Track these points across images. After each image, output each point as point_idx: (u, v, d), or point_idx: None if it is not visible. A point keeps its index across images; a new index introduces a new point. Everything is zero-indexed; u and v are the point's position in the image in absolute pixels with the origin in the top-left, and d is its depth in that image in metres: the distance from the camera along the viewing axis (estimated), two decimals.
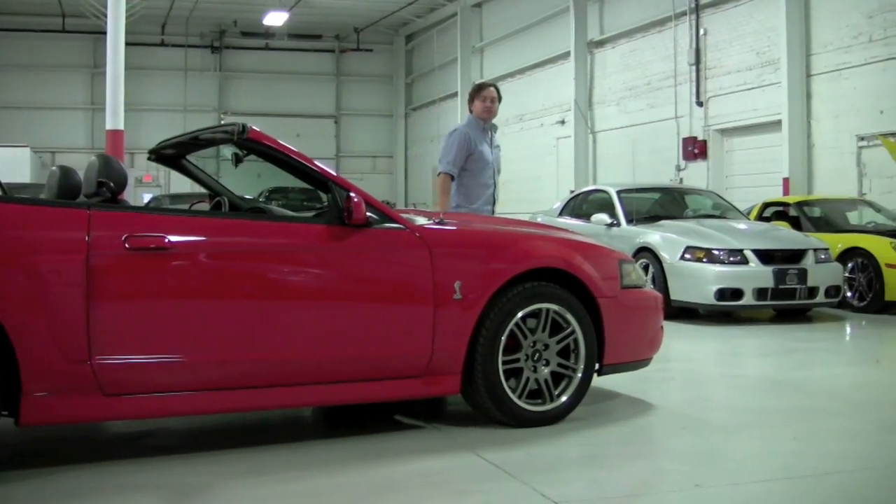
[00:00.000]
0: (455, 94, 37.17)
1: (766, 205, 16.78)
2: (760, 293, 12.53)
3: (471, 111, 9.56)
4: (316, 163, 6.03)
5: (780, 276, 12.57)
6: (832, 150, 19.97)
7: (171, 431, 6.45)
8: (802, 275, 12.70)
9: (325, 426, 6.87)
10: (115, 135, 16.91)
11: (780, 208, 16.45)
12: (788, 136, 20.43)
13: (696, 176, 23.58)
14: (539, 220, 15.90)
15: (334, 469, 5.45)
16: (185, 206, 7.95)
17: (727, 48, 23.06)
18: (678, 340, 10.60)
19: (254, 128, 5.86)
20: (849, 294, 14.09)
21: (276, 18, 36.07)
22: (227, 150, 6.38)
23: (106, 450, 6.10)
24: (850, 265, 14.10)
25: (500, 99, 9.53)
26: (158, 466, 5.50)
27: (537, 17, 31.66)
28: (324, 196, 6.17)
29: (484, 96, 9.38)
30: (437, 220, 6.38)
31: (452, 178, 9.26)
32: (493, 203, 9.50)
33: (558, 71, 30.35)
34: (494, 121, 9.68)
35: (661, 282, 12.79)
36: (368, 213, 5.87)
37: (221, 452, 5.83)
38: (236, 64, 42.17)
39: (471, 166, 9.25)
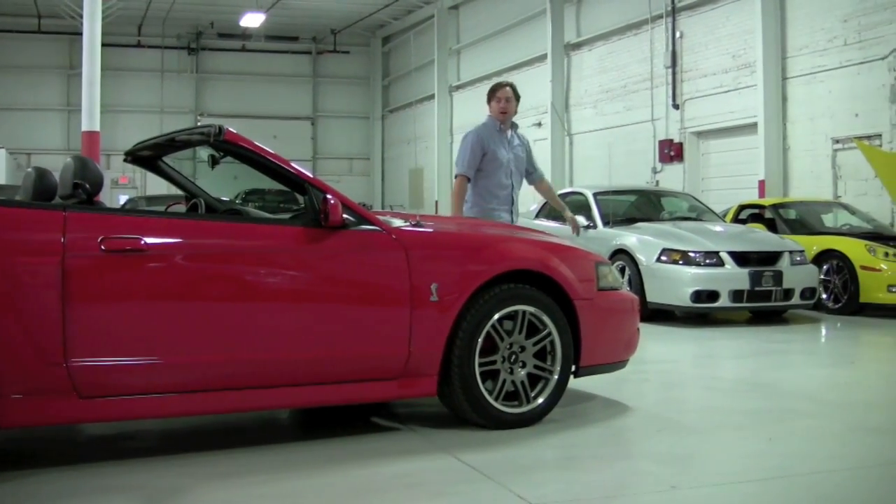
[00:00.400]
0: (432, 97, 37.22)
1: (742, 207, 16.83)
2: (736, 295, 12.57)
3: (489, 111, 9.35)
4: (292, 165, 6.02)
5: (755, 279, 12.62)
6: (807, 153, 20.07)
7: (146, 433, 6.43)
8: (778, 277, 12.75)
9: (302, 428, 6.86)
10: (91, 136, 16.86)
11: (756, 210, 16.51)
12: (764, 139, 20.52)
13: (672, 178, 23.65)
14: None
15: (311, 471, 5.44)
16: (162, 208, 7.92)
17: (703, 51, 23.14)
18: (654, 342, 10.63)
19: (230, 129, 5.85)
20: (824, 296, 14.16)
21: (252, 20, 36.02)
22: (204, 152, 6.37)
23: (82, 452, 6.08)
24: (825, 267, 14.17)
25: (517, 97, 9.30)
26: (134, 468, 5.48)
27: (514, 19, 31.71)
28: (300, 198, 6.15)
29: (499, 97, 9.19)
30: (413, 223, 6.38)
31: (469, 179, 9.11)
32: (512, 204, 9.21)
33: (535, 73, 30.38)
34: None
35: (637, 284, 12.82)
36: (345, 215, 5.86)
37: (197, 454, 5.82)
38: (213, 65, 42.09)
39: (485, 167, 9.07)
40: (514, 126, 9.38)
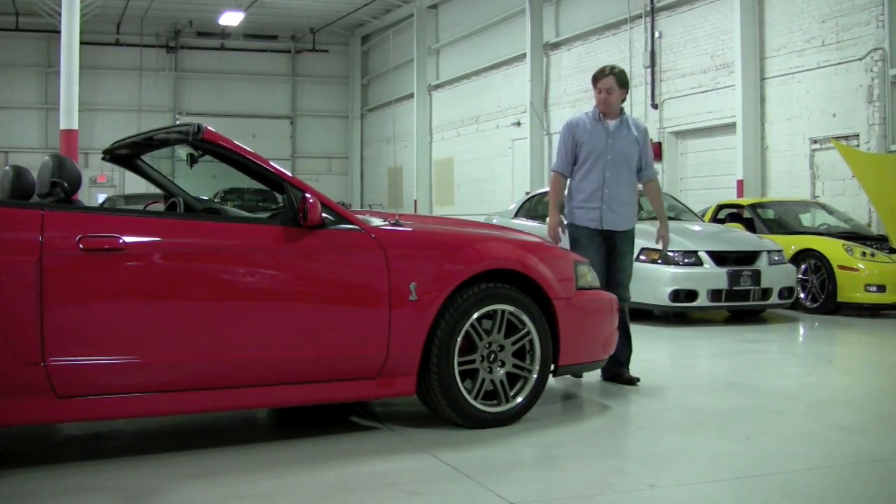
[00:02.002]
0: (411, 96, 37.23)
1: (721, 207, 16.88)
2: (715, 294, 12.61)
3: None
4: (271, 163, 6.01)
5: (734, 278, 12.67)
6: (785, 153, 20.15)
7: (123, 433, 6.41)
8: (756, 276, 12.80)
9: (280, 428, 6.85)
10: (69, 134, 16.81)
11: (735, 210, 16.56)
12: (742, 139, 20.59)
13: None
14: (494, 221, 15.94)
15: (288, 470, 5.44)
16: (140, 207, 7.90)
17: (682, 51, 23.20)
18: (633, 341, 10.64)
19: (209, 128, 5.84)
20: (802, 295, 14.22)
21: (231, 18, 35.98)
22: (182, 151, 6.36)
23: (58, 452, 6.06)
24: (803, 267, 14.23)
25: (623, 84, 8.23)
26: (110, 468, 5.47)
27: (493, 18, 31.74)
28: (279, 197, 6.15)
29: (599, 87, 8.21)
30: (392, 222, 6.38)
31: (567, 175, 8.33)
32: (604, 201, 8.12)
33: (514, 73, 30.44)
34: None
35: None
36: (324, 214, 5.86)
37: (174, 454, 5.81)
38: (191, 64, 42.01)
39: (579, 159, 8.24)
40: (624, 115, 8.34)
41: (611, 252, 8.20)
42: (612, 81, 8.19)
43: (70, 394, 5.21)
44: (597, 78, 8.30)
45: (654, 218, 14.77)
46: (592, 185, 8.16)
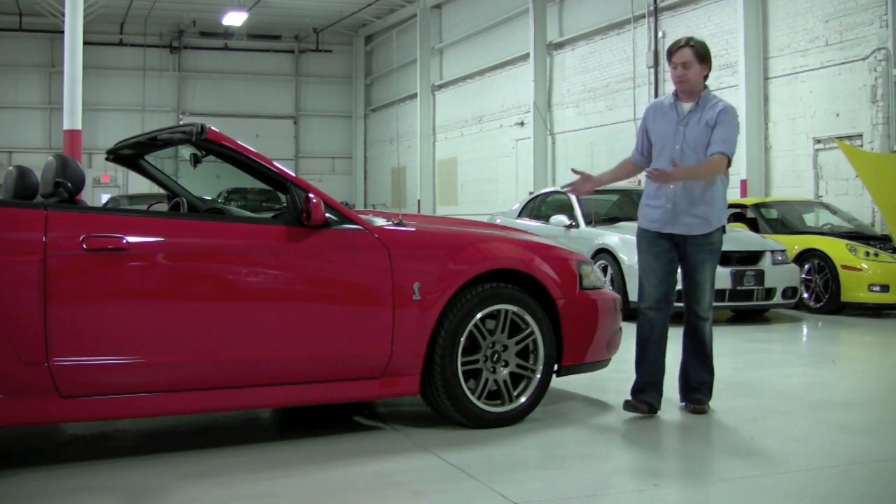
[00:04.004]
0: (414, 96, 37.22)
1: None
2: (718, 294, 12.57)
3: None
4: (275, 164, 6.01)
5: (737, 278, 12.66)
6: (789, 153, 20.13)
7: (127, 433, 6.41)
8: (759, 276, 12.79)
9: (283, 427, 6.85)
10: (73, 135, 16.83)
11: (738, 210, 16.52)
12: (746, 139, 20.53)
13: None
14: (498, 221, 15.94)
15: (292, 470, 5.44)
16: (144, 207, 7.90)
17: None
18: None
19: (212, 128, 5.84)
20: (805, 295, 14.20)
21: (235, 18, 35.98)
22: (186, 151, 6.37)
23: (62, 452, 6.07)
24: (806, 266, 14.21)
25: (703, 58, 6.94)
26: (114, 468, 5.47)
27: (496, 18, 31.73)
28: (282, 197, 6.15)
29: (674, 62, 7.00)
30: (395, 222, 6.38)
31: (636, 164, 7.37)
32: (675, 197, 6.89)
33: (517, 72, 30.42)
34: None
35: (619, 283, 12.82)
36: (327, 214, 5.86)
37: (178, 454, 5.81)
38: (195, 64, 42.02)
39: (653, 149, 7.15)
40: (703, 96, 7.00)
41: (683, 262, 6.95)
42: (689, 54, 6.92)
43: (74, 394, 5.21)
44: (671, 52, 7.06)
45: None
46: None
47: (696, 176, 6.81)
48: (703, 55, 6.93)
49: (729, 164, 6.90)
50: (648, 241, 6.98)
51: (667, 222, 6.90)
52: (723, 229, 7.03)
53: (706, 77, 7.02)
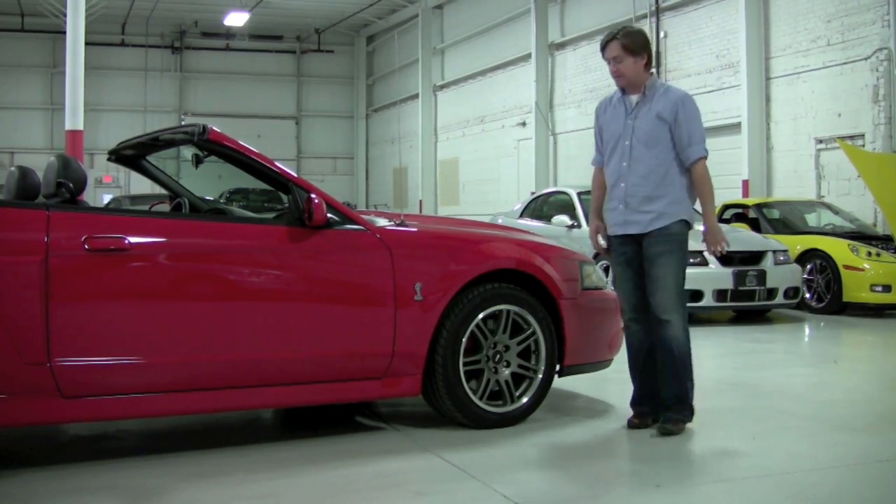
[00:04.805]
0: (416, 96, 37.24)
1: (726, 207, 16.86)
2: (720, 295, 12.60)
3: None
4: (276, 164, 6.02)
5: (739, 278, 12.65)
6: (791, 153, 20.12)
7: (128, 433, 6.41)
8: (762, 276, 12.79)
9: (284, 427, 6.86)
10: (75, 135, 16.83)
11: (740, 210, 16.53)
12: (748, 139, 20.57)
13: None
14: (500, 221, 15.94)
15: (293, 470, 5.44)
16: (145, 208, 7.90)
17: (687, 51, 23.19)
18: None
19: (214, 129, 5.85)
20: (807, 295, 14.20)
21: (236, 19, 35.99)
22: (188, 151, 6.37)
23: (64, 452, 6.06)
24: (808, 267, 14.21)
25: (635, 50, 6.46)
26: (115, 468, 5.47)
27: (498, 18, 31.74)
28: (284, 197, 6.16)
29: (606, 58, 6.62)
30: (397, 222, 6.38)
31: (602, 168, 6.75)
32: (626, 197, 6.44)
33: (519, 73, 30.44)
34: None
35: None
36: (329, 215, 5.86)
37: (179, 454, 5.81)
38: (197, 64, 42.05)
39: (605, 148, 6.70)
40: (650, 87, 6.56)
41: (644, 261, 6.45)
42: (617, 48, 6.50)
43: (76, 394, 5.21)
44: (601, 46, 6.68)
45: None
46: (612, 178, 6.58)
47: (711, 206, 6.58)
48: (632, 47, 6.48)
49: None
50: (614, 247, 6.59)
51: (622, 224, 6.48)
52: (686, 223, 6.48)
53: (648, 66, 6.56)
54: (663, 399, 6.40)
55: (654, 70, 6.68)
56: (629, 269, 6.49)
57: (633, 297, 6.50)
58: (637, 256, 6.45)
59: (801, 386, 8.52)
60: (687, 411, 6.38)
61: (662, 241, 6.35)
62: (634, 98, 6.55)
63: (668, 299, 6.32)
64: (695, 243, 12.61)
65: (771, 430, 6.50)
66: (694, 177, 6.47)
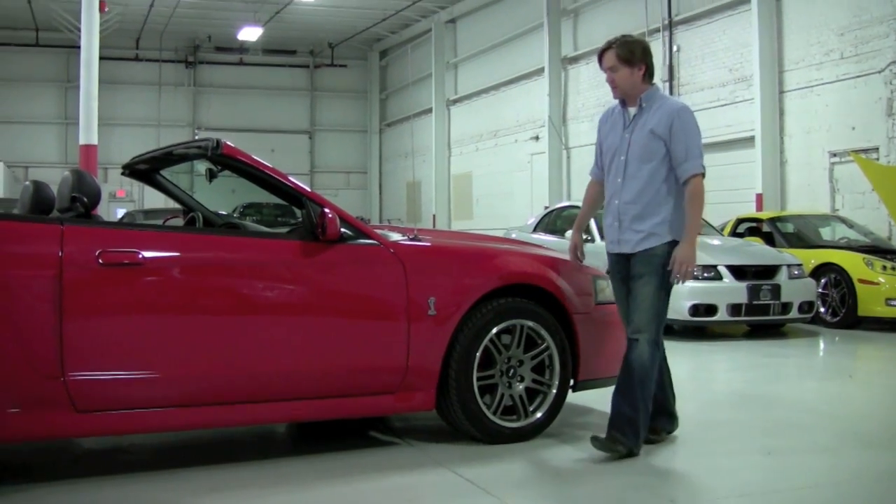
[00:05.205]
0: (429, 110, 37.26)
1: (740, 220, 16.84)
2: (734, 309, 12.57)
3: None
4: (290, 178, 6.02)
5: (753, 292, 12.62)
6: (804, 167, 20.09)
7: (141, 447, 6.41)
8: (776, 290, 12.75)
9: (298, 442, 6.85)
10: (89, 149, 16.86)
11: (754, 224, 16.50)
12: (761, 152, 20.54)
13: None
14: (513, 236, 15.94)
15: (305, 485, 5.43)
16: (159, 222, 7.91)
17: (700, 64, 23.18)
18: None
19: (228, 143, 5.85)
20: (822, 309, 14.15)
21: (250, 33, 36.08)
22: (201, 166, 6.38)
23: (77, 466, 6.06)
24: (823, 281, 14.18)
25: (630, 60, 6.23)
26: (128, 482, 5.47)
27: (511, 32, 31.76)
28: (298, 212, 6.16)
29: (603, 67, 6.41)
30: (411, 236, 6.37)
31: (599, 181, 6.69)
32: (617, 216, 6.27)
33: (532, 87, 30.44)
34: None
35: None
36: (342, 229, 5.86)
37: (192, 468, 5.80)
38: (210, 79, 42.13)
39: (605, 163, 6.57)
40: (648, 98, 6.31)
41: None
42: (612, 57, 6.30)
43: (89, 408, 5.21)
44: (598, 57, 6.49)
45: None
46: (608, 193, 6.44)
47: (695, 226, 6.12)
48: (627, 57, 6.25)
49: (704, 176, 6.19)
50: (611, 265, 6.44)
51: (615, 242, 6.31)
52: (675, 244, 6.09)
53: (645, 76, 6.28)
54: (611, 414, 6.08)
55: (655, 82, 6.44)
56: (624, 287, 6.31)
57: (626, 319, 6.33)
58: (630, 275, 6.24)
59: (817, 400, 8.49)
60: (632, 436, 5.99)
61: (646, 262, 6.09)
62: (632, 111, 6.34)
63: (640, 320, 6.07)
64: (708, 257, 12.69)
65: (786, 445, 6.48)
66: (686, 193, 6.10)
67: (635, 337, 6.07)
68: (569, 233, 14.33)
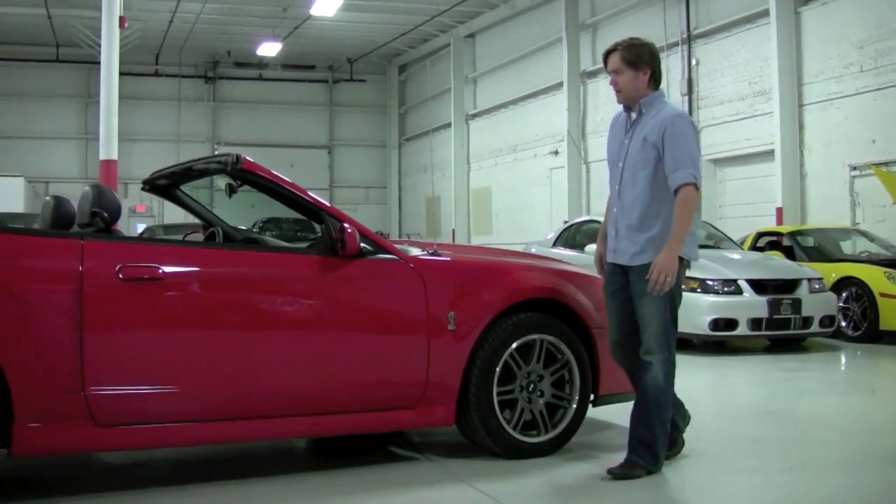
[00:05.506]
0: (448, 125, 37.23)
1: (760, 234, 16.79)
2: (755, 323, 12.51)
3: None
4: (309, 193, 6.03)
5: (774, 306, 12.56)
6: (825, 180, 20.00)
7: (160, 462, 6.41)
8: (797, 304, 12.70)
9: (318, 457, 6.84)
10: (109, 165, 16.91)
11: (774, 238, 16.45)
12: (781, 166, 20.46)
13: None
14: (533, 250, 15.90)
15: (325, 500, 5.43)
16: (179, 237, 7.92)
17: (719, 78, 23.11)
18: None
19: (247, 158, 5.86)
20: (843, 324, 14.09)
21: (269, 49, 36.13)
22: (221, 181, 6.40)
23: (96, 480, 6.07)
24: (844, 295, 14.11)
25: (636, 63, 6.08)
26: (148, 497, 5.48)
27: (530, 47, 31.73)
28: (317, 227, 6.16)
29: (608, 70, 6.29)
30: (430, 251, 6.37)
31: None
32: (615, 225, 6.11)
33: (551, 101, 30.39)
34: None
35: None
36: (362, 244, 5.86)
37: (212, 483, 5.80)
38: (230, 94, 42.21)
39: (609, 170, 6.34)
40: (647, 103, 6.13)
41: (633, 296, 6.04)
42: (617, 59, 6.14)
43: (109, 422, 5.22)
44: (603, 59, 6.33)
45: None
46: (610, 202, 6.28)
47: (680, 236, 5.76)
48: (633, 60, 6.07)
49: (698, 188, 5.85)
50: (606, 276, 6.22)
51: (612, 251, 6.12)
52: (680, 259, 5.80)
53: (650, 81, 6.11)
54: (629, 439, 5.96)
55: (661, 89, 6.24)
56: (614, 301, 6.13)
57: (614, 333, 6.15)
58: (623, 289, 6.05)
59: (838, 415, 8.44)
60: (650, 458, 5.89)
61: (647, 280, 5.77)
62: (634, 116, 6.17)
63: (650, 340, 5.90)
64: (728, 271, 12.65)
65: (808, 460, 6.45)
66: (675, 202, 5.81)
67: (647, 360, 5.90)
68: (589, 247, 14.39)
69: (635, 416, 5.95)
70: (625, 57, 6.08)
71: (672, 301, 5.91)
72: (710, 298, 12.46)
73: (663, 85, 6.29)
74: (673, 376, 5.98)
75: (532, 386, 6.34)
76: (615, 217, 6.09)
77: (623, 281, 6.04)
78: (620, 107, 6.23)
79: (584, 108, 28.80)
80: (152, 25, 33.12)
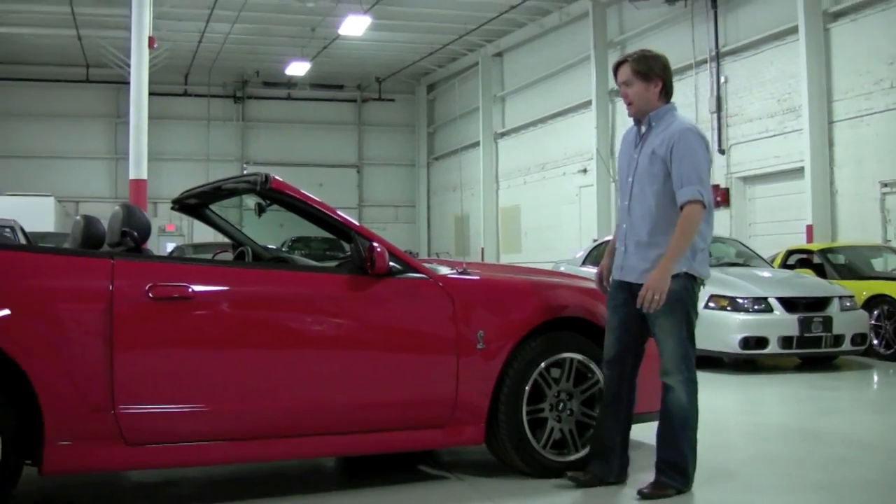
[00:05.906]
0: (477, 144, 37.25)
1: (790, 252, 16.72)
2: (785, 341, 12.44)
3: None
4: (338, 212, 6.04)
5: (805, 324, 12.48)
6: (855, 197, 19.91)
7: (190, 480, 6.42)
8: (828, 322, 12.61)
9: (347, 476, 6.83)
10: (139, 184, 17.04)
11: (804, 255, 16.38)
12: (811, 183, 20.37)
13: (718, 224, 23.24)
14: (562, 269, 15.89)
15: None
16: (209, 256, 7.94)
17: (748, 95, 23.06)
18: (702, 390, 10.41)
19: (276, 177, 5.88)
20: (875, 342, 13.99)
21: (298, 68, 36.24)
22: (250, 200, 6.41)
23: (125, 499, 6.08)
24: (875, 312, 14.01)
25: (647, 75, 5.99)
26: None
27: (558, 65, 31.73)
28: (346, 246, 6.17)
29: (618, 82, 6.19)
30: (459, 270, 6.36)
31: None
32: (624, 242, 6.04)
33: (579, 119, 30.37)
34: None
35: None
36: (391, 263, 5.86)
37: (241, 502, 5.80)
38: (258, 113, 42.36)
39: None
40: (657, 116, 6.04)
41: (642, 316, 5.88)
42: (627, 71, 6.05)
43: (139, 441, 5.23)
44: (614, 71, 6.21)
45: (725, 264, 14.74)
46: (619, 217, 6.22)
47: (676, 255, 5.67)
48: (644, 72, 5.98)
49: (705, 206, 5.73)
50: (610, 291, 6.15)
51: (619, 268, 6.04)
52: (690, 277, 5.78)
53: (661, 93, 6.04)
54: (656, 459, 5.88)
55: (672, 101, 6.14)
56: (615, 317, 6.02)
57: (612, 348, 6.04)
58: (626, 307, 5.92)
59: (870, 434, 8.38)
60: (680, 478, 5.81)
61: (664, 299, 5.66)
62: (643, 129, 6.07)
63: (669, 362, 5.81)
64: (758, 289, 12.59)
65: (839, 480, 6.40)
66: (680, 219, 5.70)
67: (668, 383, 5.82)
68: None
69: (661, 438, 5.88)
70: (635, 68, 6.00)
71: (687, 319, 5.81)
72: (741, 316, 12.40)
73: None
74: (696, 395, 5.88)
75: (562, 405, 6.31)
76: (624, 233, 6.01)
77: (625, 299, 5.93)
78: None
79: (612, 126, 28.76)
80: (181, 45, 33.31)
